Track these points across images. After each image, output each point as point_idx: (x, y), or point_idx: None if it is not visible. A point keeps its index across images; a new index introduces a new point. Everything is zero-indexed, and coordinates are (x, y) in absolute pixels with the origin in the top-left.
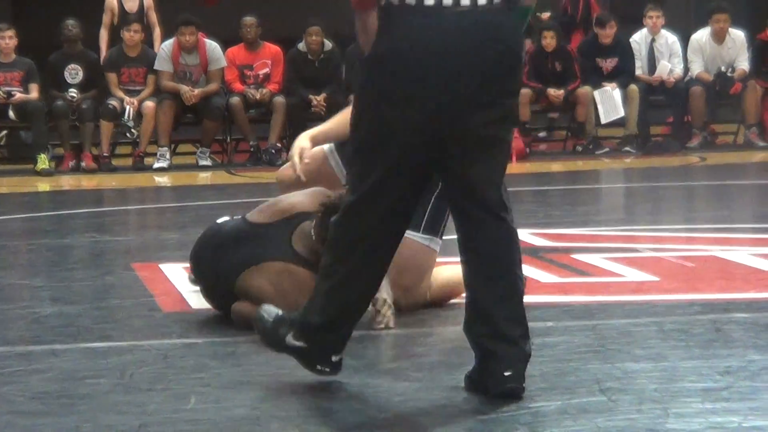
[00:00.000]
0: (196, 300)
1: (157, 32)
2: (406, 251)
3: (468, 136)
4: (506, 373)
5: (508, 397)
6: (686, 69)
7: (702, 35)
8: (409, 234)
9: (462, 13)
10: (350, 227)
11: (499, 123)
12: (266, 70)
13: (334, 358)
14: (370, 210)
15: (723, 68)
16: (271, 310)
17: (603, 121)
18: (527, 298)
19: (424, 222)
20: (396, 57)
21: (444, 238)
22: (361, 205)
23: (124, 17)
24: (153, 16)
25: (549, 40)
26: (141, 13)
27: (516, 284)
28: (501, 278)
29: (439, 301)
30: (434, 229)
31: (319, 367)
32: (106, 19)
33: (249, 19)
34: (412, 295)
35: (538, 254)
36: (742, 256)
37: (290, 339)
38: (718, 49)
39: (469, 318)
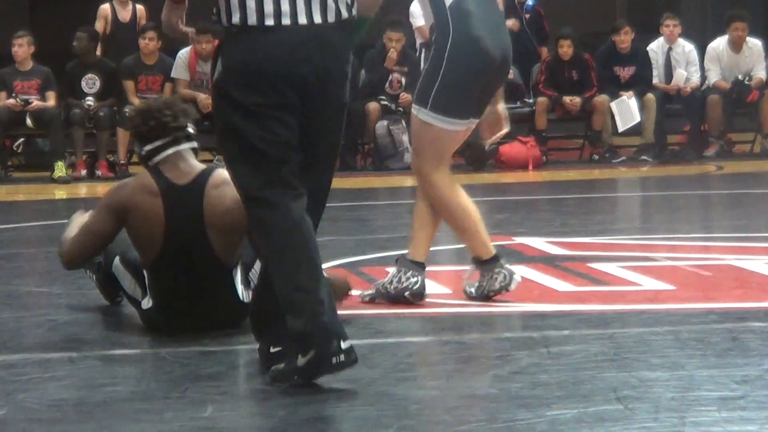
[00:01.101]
0: None
1: None
2: None
3: (314, 139)
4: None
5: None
6: (703, 77)
7: (719, 44)
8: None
9: (300, 29)
10: (262, 231)
11: (337, 131)
12: None
13: (343, 345)
14: (271, 207)
15: (740, 77)
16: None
17: (620, 129)
18: (545, 306)
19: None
20: (246, 69)
21: None
22: (262, 208)
23: (117, 25)
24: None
25: (566, 49)
26: (134, 23)
27: None
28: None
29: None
30: (421, 99)
31: (334, 360)
32: (98, 26)
33: None
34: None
35: (554, 263)
36: (759, 265)
37: (300, 360)
38: (736, 57)
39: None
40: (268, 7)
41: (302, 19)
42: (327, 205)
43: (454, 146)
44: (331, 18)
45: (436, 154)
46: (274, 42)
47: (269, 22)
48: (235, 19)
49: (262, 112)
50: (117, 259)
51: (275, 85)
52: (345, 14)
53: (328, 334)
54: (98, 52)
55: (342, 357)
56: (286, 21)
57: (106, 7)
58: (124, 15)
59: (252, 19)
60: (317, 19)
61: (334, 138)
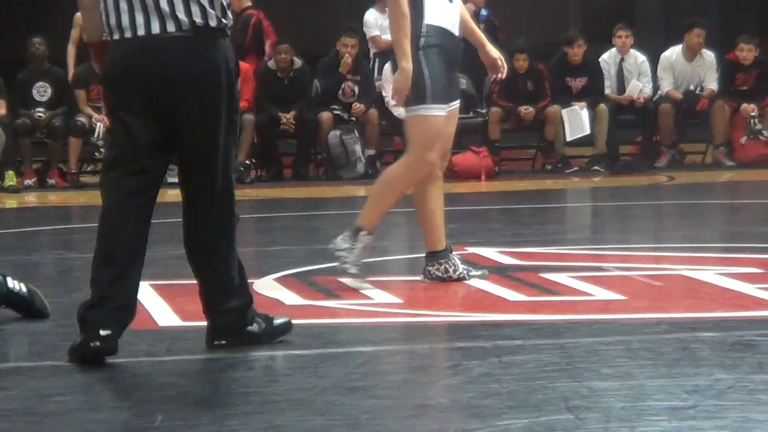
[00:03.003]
0: (163, 317)
1: None
2: None
3: (179, 141)
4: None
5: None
6: (655, 88)
7: (672, 53)
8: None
9: (136, 40)
10: (102, 216)
11: (204, 135)
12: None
13: (102, 332)
14: (116, 200)
15: (692, 87)
16: None
17: (570, 138)
18: (496, 316)
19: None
20: (105, 77)
21: None
22: (106, 199)
23: None
24: None
25: (521, 63)
26: None
27: None
28: None
29: None
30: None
31: (92, 344)
32: (74, 34)
33: None
34: None
35: (506, 273)
36: (710, 275)
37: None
38: (689, 67)
39: None
40: (112, 21)
41: (140, 31)
42: (280, 214)
43: None
44: (171, 28)
45: None
46: (119, 52)
47: (116, 36)
48: (104, 36)
49: (116, 114)
50: None
51: (121, 90)
52: (186, 23)
53: (94, 322)
54: (72, 59)
55: (97, 342)
56: (127, 34)
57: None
58: None
59: (106, 35)
60: (155, 29)
61: (200, 141)
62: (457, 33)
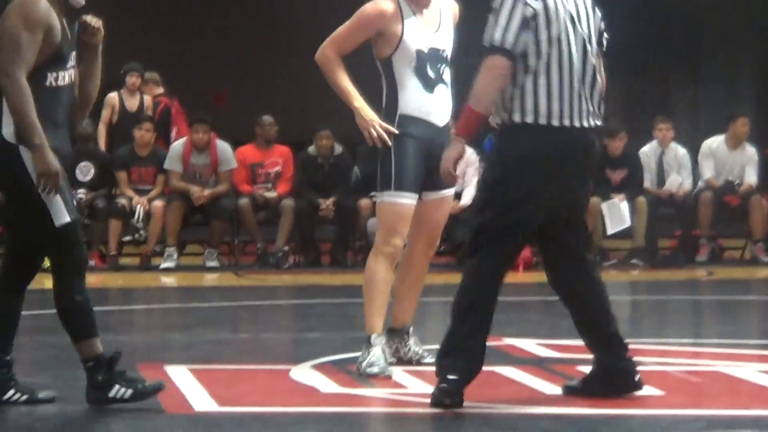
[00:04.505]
0: (200, 402)
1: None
2: None
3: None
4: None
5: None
6: (696, 178)
7: (714, 141)
8: None
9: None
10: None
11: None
12: (278, 168)
13: (450, 377)
14: None
15: (731, 178)
16: None
17: (609, 231)
18: (533, 409)
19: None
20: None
21: None
22: None
23: (124, 115)
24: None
25: None
26: (141, 112)
27: None
28: None
29: None
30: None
31: (441, 386)
32: (105, 114)
33: (268, 119)
34: None
35: (543, 365)
36: (748, 372)
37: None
38: (730, 155)
39: None
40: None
41: (576, 123)
42: (317, 301)
43: None
44: (592, 123)
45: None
46: (554, 137)
47: (554, 122)
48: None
49: None
50: None
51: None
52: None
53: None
54: (102, 139)
55: (445, 385)
56: (566, 123)
57: (113, 96)
58: (131, 104)
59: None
60: (585, 123)
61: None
62: (440, 123)
